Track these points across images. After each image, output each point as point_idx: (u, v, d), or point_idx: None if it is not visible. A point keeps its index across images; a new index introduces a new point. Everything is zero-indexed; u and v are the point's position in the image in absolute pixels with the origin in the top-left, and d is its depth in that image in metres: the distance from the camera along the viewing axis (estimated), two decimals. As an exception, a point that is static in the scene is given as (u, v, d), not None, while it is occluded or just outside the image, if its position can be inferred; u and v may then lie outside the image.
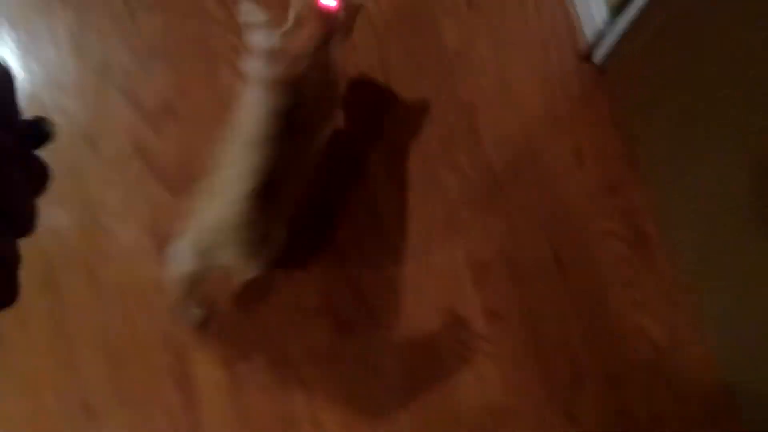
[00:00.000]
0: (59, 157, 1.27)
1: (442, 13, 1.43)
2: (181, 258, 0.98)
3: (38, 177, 0.35)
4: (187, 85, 1.34)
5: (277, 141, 0.85)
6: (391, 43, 1.40)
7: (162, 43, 1.35)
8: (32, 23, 1.34)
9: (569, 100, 1.41)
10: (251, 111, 0.85)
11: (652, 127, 1.34)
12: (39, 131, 0.35)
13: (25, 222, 0.33)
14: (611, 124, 1.40)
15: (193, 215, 0.97)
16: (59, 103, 1.31)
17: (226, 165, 0.91)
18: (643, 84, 1.34)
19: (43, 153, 0.35)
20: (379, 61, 1.39)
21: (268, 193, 0.89)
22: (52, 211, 1.26)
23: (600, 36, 1.39)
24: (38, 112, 1.22)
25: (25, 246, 0.33)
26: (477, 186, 1.35)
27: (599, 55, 1.40)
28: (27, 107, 1.22)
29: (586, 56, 1.43)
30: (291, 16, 0.95)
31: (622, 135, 1.39)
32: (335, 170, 1.33)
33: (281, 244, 1.01)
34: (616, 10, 1.33)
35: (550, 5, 1.45)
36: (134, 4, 1.37)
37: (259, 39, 0.84)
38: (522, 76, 1.41)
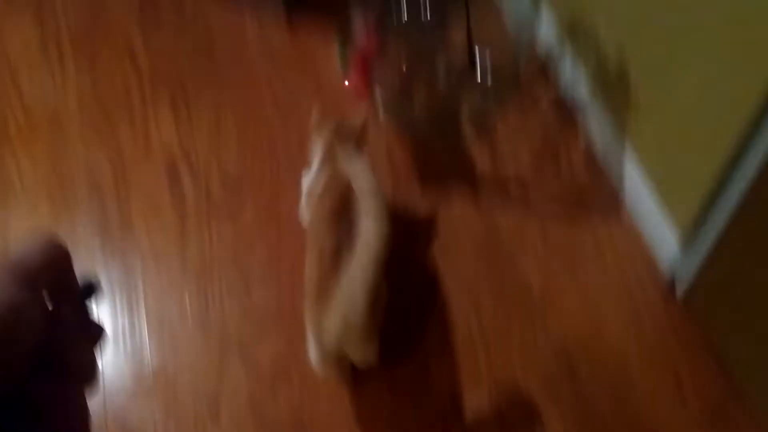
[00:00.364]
0: (182, 423, 1.38)
1: (521, 255, 1.55)
2: (316, 358, 1.21)
3: (97, 335, 0.40)
4: (299, 349, 1.46)
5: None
6: (481, 292, 1.51)
7: (274, 311, 1.50)
8: (162, 297, 1.53)
9: (660, 332, 1.45)
10: (375, 236, 1.14)
11: (751, 353, 1.35)
12: (90, 290, 0.40)
13: (91, 377, 0.40)
14: (707, 353, 1.42)
15: (314, 323, 1.19)
16: (183, 371, 1.44)
17: (348, 275, 1.14)
18: (732, 310, 1.37)
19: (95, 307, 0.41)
20: (474, 309, 1.49)
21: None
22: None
23: (678, 268, 1.46)
24: (165, 385, 1.34)
25: None
26: (579, 419, 1.36)
27: (681, 285, 1.47)
28: (153, 376, 1.37)
29: (669, 287, 1.49)
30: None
31: (719, 363, 1.40)
32: (438, 409, 1.38)
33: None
34: (689, 243, 1.41)
35: (624, 241, 1.55)
36: (250, 277, 1.55)
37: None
38: (609, 312, 1.48)
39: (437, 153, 1.71)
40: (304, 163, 1.69)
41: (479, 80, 1.66)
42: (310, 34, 1.89)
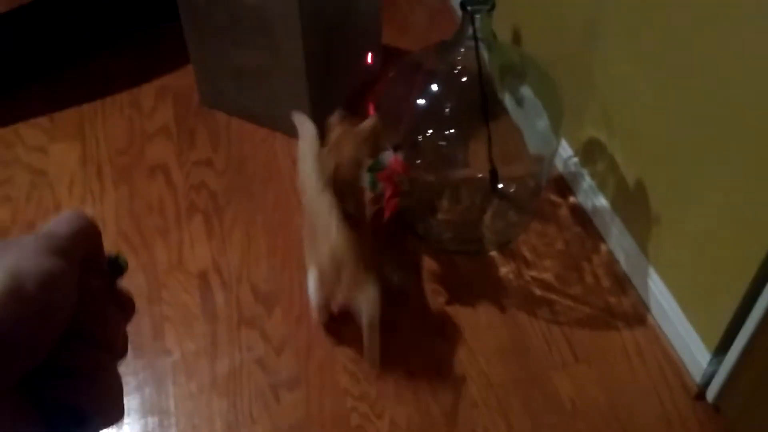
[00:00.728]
0: None
1: (552, 369, 1.56)
2: (313, 290, 1.48)
3: (127, 307, 0.40)
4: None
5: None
6: (512, 404, 1.51)
7: (303, 418, 1.50)
8: (191, 402, 1.52)
9: (693, 440, 1.44)
10: (307, 169, 1.42)
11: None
12: (117, 266, 0.40)
13: (122, 349, 0.38)
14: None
15: (309, 261, 1.47)
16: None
17: (317, 216, 1.41)
18: (764, 416, 1.37)
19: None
20: (504, 421, 1.48)
21: (351, 226, 1.38)
22: None
23: (707, 376, 1.47)
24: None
25: None
26: None
27: (711, 392, 1.47)
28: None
29: (699, 395, 1.49)
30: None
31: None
32: None
33: (378, 286, 1.41)
34: (718, 350, 1.43)
35: (652, 351, 1.57)
36: (278, 384, 1.55)
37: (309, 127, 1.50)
38: (640, 420, 1.47)
39: (462, 263, 1.76)
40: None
41: (501, 193, 1.74)
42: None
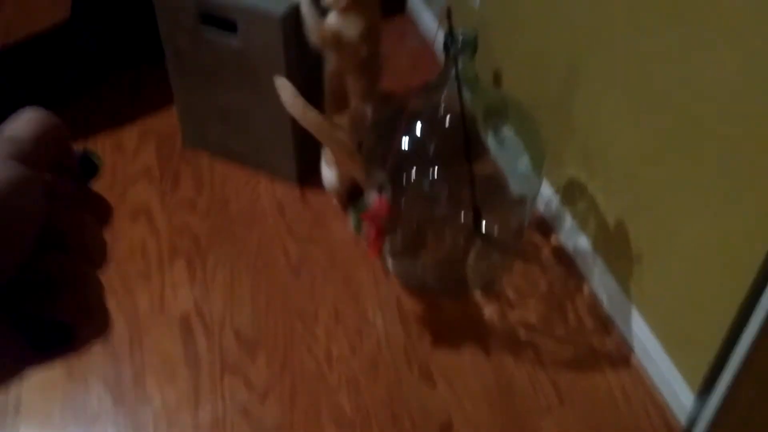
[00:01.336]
0: None
1: (537, 413, 1.55)
2: None
3: (103, 212, 0.37)
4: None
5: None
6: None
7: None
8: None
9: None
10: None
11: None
12: (89, 166, 0.37)
13: (102, 255, 0.35)
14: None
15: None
16: None
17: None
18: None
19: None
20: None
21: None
22: None
23: (692, 418, 1.47)
24: None
25: None
26: None
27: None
28: None
29: (684, 436, 1.49)
30: None
31: None
32: None
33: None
34: (703, 393, 1.43)
35: (637, 392, 1.57)
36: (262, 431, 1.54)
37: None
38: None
39: (446, 305, 1.76)
40: (316, 317, 1.74)
41: (484, 234, 1.74)
42: (320, 193, 2.00)
